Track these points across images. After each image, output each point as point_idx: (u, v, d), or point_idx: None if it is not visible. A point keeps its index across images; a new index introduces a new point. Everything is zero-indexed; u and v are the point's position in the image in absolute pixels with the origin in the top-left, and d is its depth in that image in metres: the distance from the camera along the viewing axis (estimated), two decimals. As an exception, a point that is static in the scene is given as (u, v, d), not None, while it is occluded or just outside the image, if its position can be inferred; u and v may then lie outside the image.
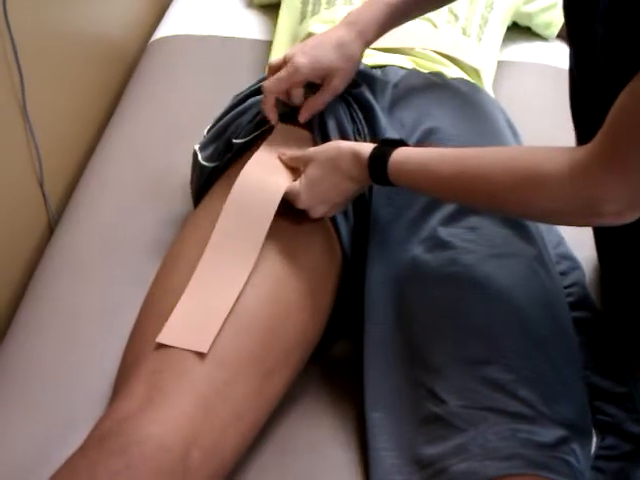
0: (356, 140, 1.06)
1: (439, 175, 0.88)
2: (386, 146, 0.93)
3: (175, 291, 0.92)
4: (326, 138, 1.04)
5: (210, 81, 1.55)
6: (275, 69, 1.06)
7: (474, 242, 0.96)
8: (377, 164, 0.92)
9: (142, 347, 0.90)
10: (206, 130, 1.18)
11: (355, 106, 1.08)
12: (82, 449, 0.78)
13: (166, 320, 0.89)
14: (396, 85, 1.15)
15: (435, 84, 1.16)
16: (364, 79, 1.11)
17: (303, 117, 1.05)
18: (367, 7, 1.07)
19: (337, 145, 0.97)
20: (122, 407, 0.82)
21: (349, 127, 1.07)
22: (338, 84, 1.05)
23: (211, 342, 0.86)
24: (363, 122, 1.08)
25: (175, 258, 0.99)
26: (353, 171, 0.94)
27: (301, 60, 1.02)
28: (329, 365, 1.03)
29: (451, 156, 0.88)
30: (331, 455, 0.93)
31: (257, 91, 1.14)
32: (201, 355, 0.85)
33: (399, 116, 1.10)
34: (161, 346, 0.87)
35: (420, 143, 1.05)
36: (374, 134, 1.07)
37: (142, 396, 0.82)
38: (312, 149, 1.00)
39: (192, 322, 0.89)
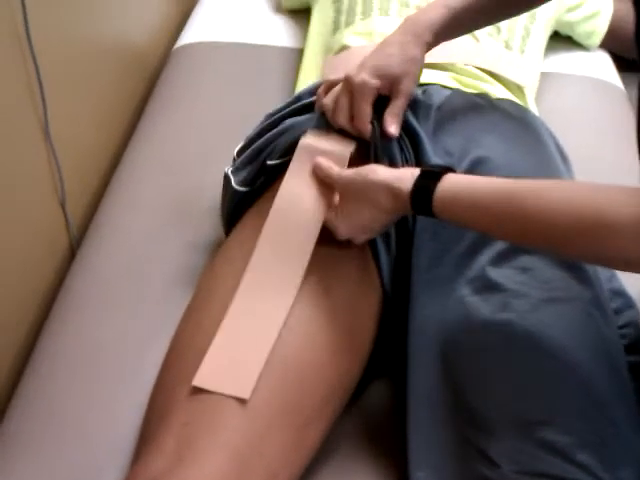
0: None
1: (491, 214, 0.80)
2: (429, 178, 0.85)
3: (207, 330, 0.86)
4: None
5: (238, 90, 1.49)
6: (332, 86, 1.01)
7: (526, 285, 0.90)
8: (420, 198, 0.84)
9: (172, 392, 0.84)
10: (236, 151, 1.11)
11: (403, 133, 1.02)
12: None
13: (198, 362, 0.83)
14: (439, 108, 1.07)
15: (481, 107, 1.09)
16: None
17: (393, 128, 0.97)
18: (422, 12, 1.01)
19: (368, 178, 0.88)
20: (150, 466, 0.76)
21: (398, 156, 1.00)
22: (408, 86, 0.98)
23: (252, 387, 0.81)
24: (410, 149, 1.02)
25: (207, 293, 0.93)
26: (390, 205, 0.87)
27: (365, 75, 0.96)
28: (368, 408, 0.97)
29: (505, 191, 0.80)
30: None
31: (294, 112, 1.08)
32: (235, 406, 0.80)
33: (444, 143, 1.03)
34: (193, 393, 0.81)
35: (469, 173, 0.98)
36: (419, 164, 1.00)
37: (172, 453, 0.77)
38: (345, 175, 0.92)
39: (230, 364, 0.83)
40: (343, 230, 0.92)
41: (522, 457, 0.79)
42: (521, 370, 0.85)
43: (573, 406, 0.82)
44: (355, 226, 0.91)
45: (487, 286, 0.91)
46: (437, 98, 1.09)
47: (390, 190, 0.86)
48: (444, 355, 0.89)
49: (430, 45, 1.01)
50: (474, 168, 0.99)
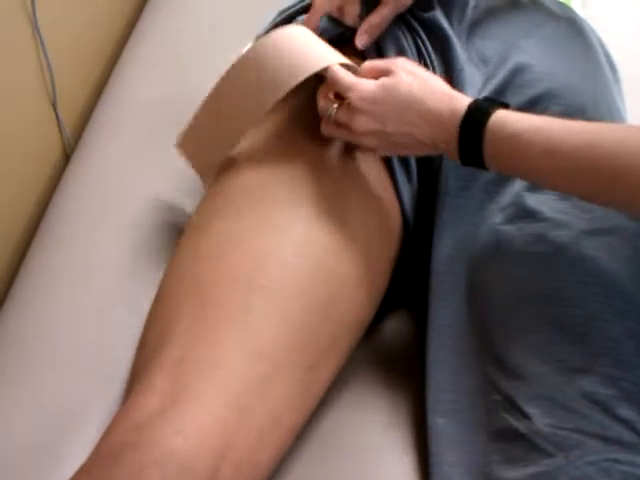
0: None
1: (563, 150, 0.68)
2: (487, 102, 0.75)
3: (210, 256, 0.77)
4: None
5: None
6: None
7: (568, 213, 0.79)
8: (474, 119, 0.72)
9: (167, 322, 0.76)
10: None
11: (423, 35, 0.89)
12: (88, 469, 0.65)
13: (195, 291, 0.75)
14: (476, 6, 0.94)
15: (523, 6, 0.95)
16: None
17: (362, 41, 0.86)
18: None
19: (428, 75, 0.78)
20: (139, 408, 0.68)
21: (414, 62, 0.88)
22: None
23: None
24: (433, 56, 0.89)
25: (210, 214, 0.83)
26: (441, 115, 0.74)
27: None
28: (383, 345, 0.88)
29: (585, 138, 0.68)
30: (383, 458, 0.79)
31: (307, 9, 0.95)
32: (237, 343, 0.71)
33: (480, 48, 0.91)
34: (190, 325, 0.73)
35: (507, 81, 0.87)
36: (448, 72, 0.88)
37: (164, 394, 0.68)
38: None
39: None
40: (367, 101, 0.76)
41: (556, 409, 0.71)
42: (557, 310, 0.75)
43: (616, 352, 0.73)
44: (385, 111, 0.76)
45: (522, 213, 0.81)
46: (474, -7, 0.95)
47: (449, 96, 0.75)
48: (471, 291, 0.80)
49: None
50: (514, 76, 0.87)
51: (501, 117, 0.71)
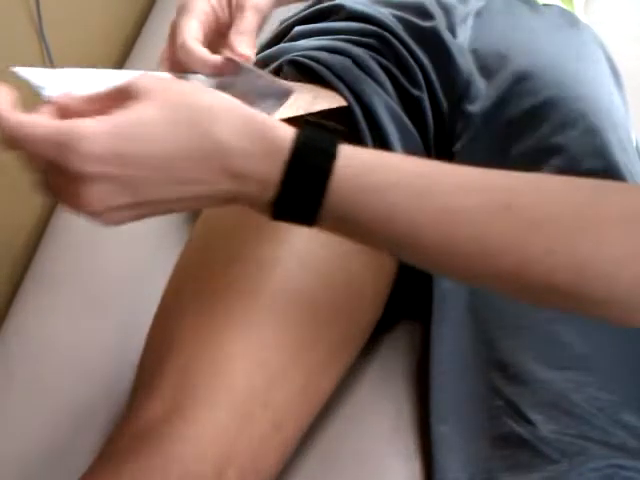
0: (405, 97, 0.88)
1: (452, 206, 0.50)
2: (322, 132, 0.50)
3: (214, 264, 0.77)
4: (367, 107, 0.82)
5: None
6: None
7: None
8: (312, 158, 0.48)
9: (171, 330, 0.76)
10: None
11: (418, 50, 0.87)
12: (93, 473, 0.65)
13: (199, 296, 0.75)
14: (479, 14, 0.94)
15: (526, 14, 0.95)
16: (441, 8, 0.91)
17: (243, 47, 0.62)
18: None
19: (204, 97, 0.49)
20: (143, 415, 0.68)
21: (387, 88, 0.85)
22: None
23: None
24: (431, 74, 0.87)
25: (213, 226, 0.83)
26: (251, 160, 0.48)
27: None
28: (386, 349, 0.88)
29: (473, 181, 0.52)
30: (387, 466, 0.79)
31: (308, 18, 0.95)
32: (240, 352, 0.71)
33: (481, 56, 0.90)
34: (193, 333, 0.73)
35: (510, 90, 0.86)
36: (452, 85, 0.88)
37: (167, 402, 0.69)
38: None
39: None
40: (97, 197, 0.46)
41: (559, 415, 0.71)
42: (557, 319, 0.75)
43: (617, 358, 0.73)
44: (136, 178, 0.47)
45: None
46: (476, 2, 0.95)
47: (255, 128, 0.48)
48: (473, 298, 0.80)
49: None
50: (515, 85, 0.87)
51: (351, 161, 0.49)
